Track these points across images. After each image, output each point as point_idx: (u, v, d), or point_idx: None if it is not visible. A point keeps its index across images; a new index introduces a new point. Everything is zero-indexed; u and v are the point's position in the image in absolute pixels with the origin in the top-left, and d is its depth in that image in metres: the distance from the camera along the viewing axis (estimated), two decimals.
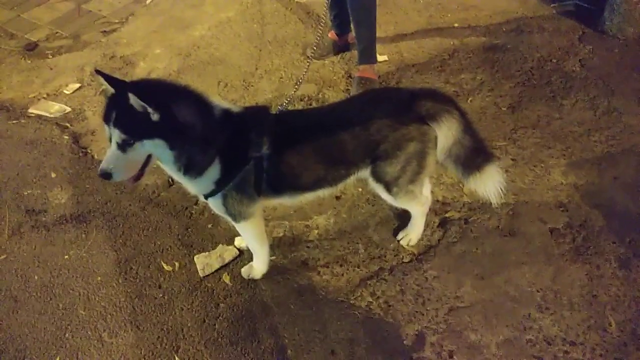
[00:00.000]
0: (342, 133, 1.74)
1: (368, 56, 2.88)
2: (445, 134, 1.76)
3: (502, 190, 1.80)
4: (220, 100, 1.75)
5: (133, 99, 1.46)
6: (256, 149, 1.70)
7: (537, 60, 2.96)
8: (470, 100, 2.75)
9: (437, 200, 2.28)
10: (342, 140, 1.75)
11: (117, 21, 4.00)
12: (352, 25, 2.88)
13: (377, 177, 1.83)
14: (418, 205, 2.00)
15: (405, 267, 2.03)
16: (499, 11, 3.39)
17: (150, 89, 1.60)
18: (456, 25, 3.33)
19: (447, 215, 2.22)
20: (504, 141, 2.51)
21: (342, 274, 2.04)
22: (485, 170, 1.81)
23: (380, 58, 3.03)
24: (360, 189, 2.37)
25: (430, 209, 2.19)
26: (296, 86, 2.13)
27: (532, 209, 2.19)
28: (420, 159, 1.78)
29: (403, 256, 2.08)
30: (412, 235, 2.12)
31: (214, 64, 3.34)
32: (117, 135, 1.53)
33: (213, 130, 1.65)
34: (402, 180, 1.82)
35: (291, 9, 3.80)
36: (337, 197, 2.36)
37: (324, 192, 1.91)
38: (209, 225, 2.37)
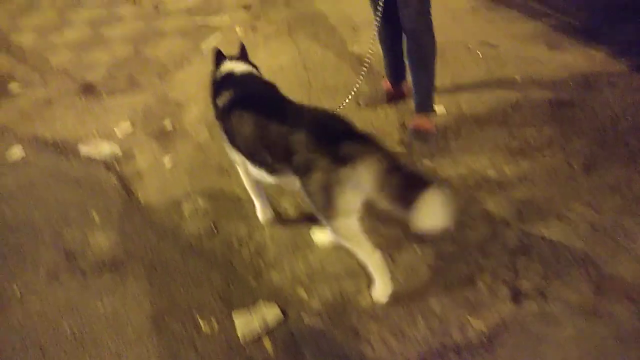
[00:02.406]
0: (274, 120, 1.86)
1: (425, 105, 2.67)
2: (365, 177, 1.62)
3: (447, 215, 1.53)
4: (240, 63, 2.27)
5: None
6: (222, 100, 2.11)
7: (610, 117, 2.67)
8: (540, 157, 2.48)
9: (506, 266, 1.98)
10: (270, 126, 1.86)
11: (172, 66, 3.96)
12: (409, 72, 2.69)
13: (305, 194, 1.80)
14: (360, 250, 1.85)
15: (473, 348, 1.72)
16: (563, 65, 3.14)
17: None
18: (518, 78, 3.09)
19: (518, 285, 1.92)
20: (581, 205, 2.21)
21: (399, 351, 1.75)
22: (422, 198, 1.52)
23: (437, 109, 2.81)
24: (418, 251, 2.10)
25: (499, 278, 1.90)
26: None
27: (618, 285, 1.87)
28: (327, 195, 1.69)
29: (470, 333, 1.78)
30: (374, 290, 1.94)
31: None
32: None
33: (214, 81, 2.24)
34: (319, 213, 1.78)
35: (343, 57, 3.67)
36: (392, 258, 2.10)
37: (264, 176, 2.02)
38: (251, 279, 2.15)
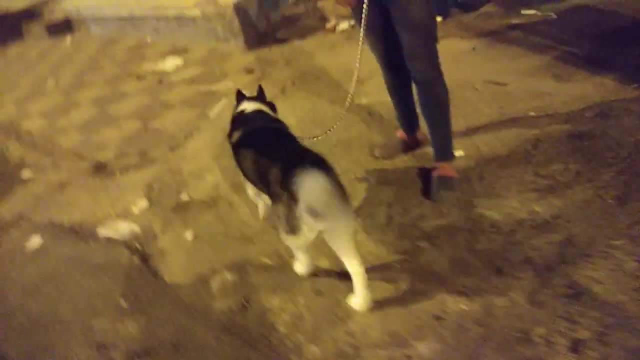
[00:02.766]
0: (264, 155, 2.15)
1: (445, 153, 2.63)
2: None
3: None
4: (253, 103, 2.62)
5: None
6: (234, 137, 2.44)
7: (634, 145, 2.61)
8: (570, 193, 2.41)
9: (560, 316, 1.88)
10: (260, 160, 2.15)
11: (182, 136, 3.97)
12: (425, 123, 2.66)
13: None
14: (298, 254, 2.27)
15: None
16: (575, 97, 3.12)
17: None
18: (532, 114, 3.06)
19: (576, 334, 1.81)
20: (621, 239, 2.12)
21: None
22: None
23: (456, 154, 2.77)
24: (465, 307, 2.00)
25: (555, 329, 1.80)
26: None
27: None
28: (287, 223, 1.92)
29: None
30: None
31: None
32: None
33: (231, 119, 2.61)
34: (283, 233, 2.03)
35: (352, 110, 3.67)
36: (437, 317, 2.00)
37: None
38: (291, 355, 2.04)
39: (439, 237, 2.35)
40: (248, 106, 2.56)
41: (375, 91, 3.82)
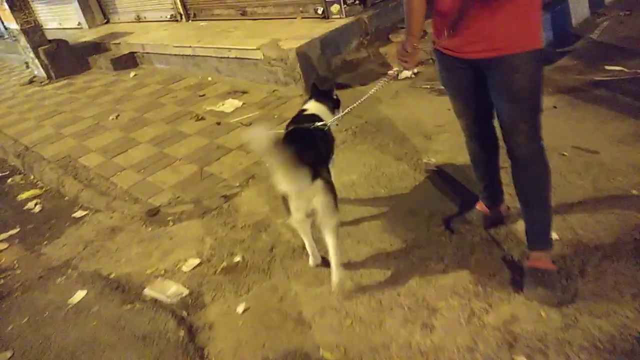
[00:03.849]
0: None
1: (541, 241, 2.21)
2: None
3: None
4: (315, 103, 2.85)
5: None
6: None
7: None
8: None
9: None
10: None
11: (237, 185, 3.71)
12: (518, 203, 2.26)
13: None
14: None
15: None
16: None
17: None
18: (635, 192, 2.60)
19: None
20: None
21: None
22: None
23: None
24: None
25: None
26: None
27: None
28: (285, 205, 2.34)
29: None
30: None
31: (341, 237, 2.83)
32: None
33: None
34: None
35: (419, 170, 3.31)
36: None
37: None
38: None
39: (542, 350, 1.90)
40: (309, 107, 2.80)
41: (447, 149, 3.46)
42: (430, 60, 4.95)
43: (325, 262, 2.55)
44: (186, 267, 2.93)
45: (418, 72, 4.89)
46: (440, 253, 2.52)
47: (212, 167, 4.07)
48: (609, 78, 3.95)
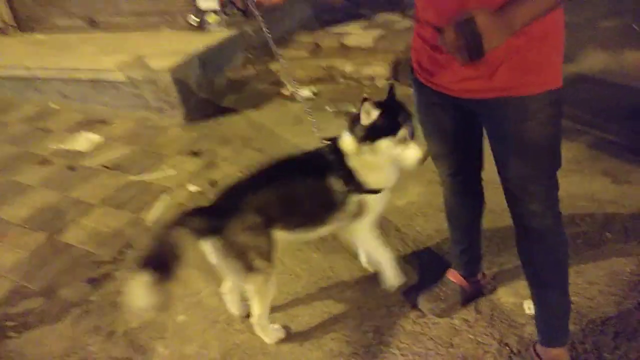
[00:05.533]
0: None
1: (560, 333, 1.67)
2: None
3: None
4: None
5: None
6: None
7: None
8: None
9: None
10: None
11: (108, 260, 2.69)
12: (529, 287, 1.69)
13: None
14: None
15: None
16: None
17: None
18: (609, 235, 2.23)
19: None
20: None
21: None
22: None
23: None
24: None
25: None
26: None
27: None
28: None
29: None
30: None
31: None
32: None
33: None
34: None
35: None
36: None
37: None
38: None
39: None
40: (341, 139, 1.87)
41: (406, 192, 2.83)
42: (343, 80, 4.36)
43: None
44: None
45: (317, 92, 4.26)
46: (413, 347, 1.87)
47: (68, 234, 2.96)
48: None
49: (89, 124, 4.28)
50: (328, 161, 1.80)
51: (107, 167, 3.62)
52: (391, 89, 1.78)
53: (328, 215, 1.84)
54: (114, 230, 2.93)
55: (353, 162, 1.78)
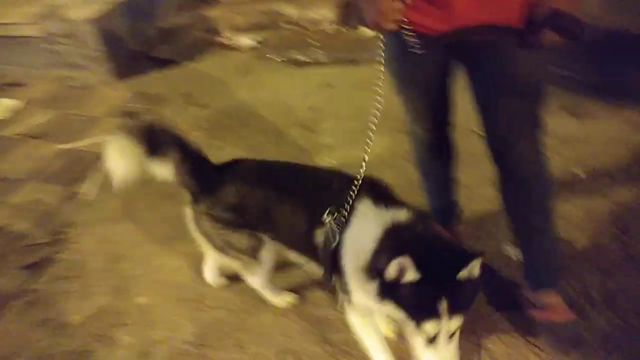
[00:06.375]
0: None
1: (551, 276, 1.63)
2: None
3: None
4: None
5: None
6: None
7: None
8: None
9: None
10: None
11: (45, 241, 2.38)
12: (515, 236, 1.64)
13: None
14: None
15: None
16: (613, 140, 2.40)
17: None
18: (581, 174, 2.23)
19: None
20: None
21: None
22: None
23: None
24: None
25: None
26: None
27: None
28: None
29: None
30: None
31: None
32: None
33: None
34: None
35: None
36: None
37: None
38: None
39: None
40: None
41: (339, 143, 2.70)
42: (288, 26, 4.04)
43: None
44: None
45: (262, 41, 3.94)
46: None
47: None
48: None
49: (2, 88, 3.74)
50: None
51: (29, 136, 3.18)
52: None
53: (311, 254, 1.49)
54: (47, 208, 2.59)
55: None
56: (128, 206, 2.47)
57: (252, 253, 1.61)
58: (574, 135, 2.46)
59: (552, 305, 1.59)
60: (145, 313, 1.93)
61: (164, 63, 3.85)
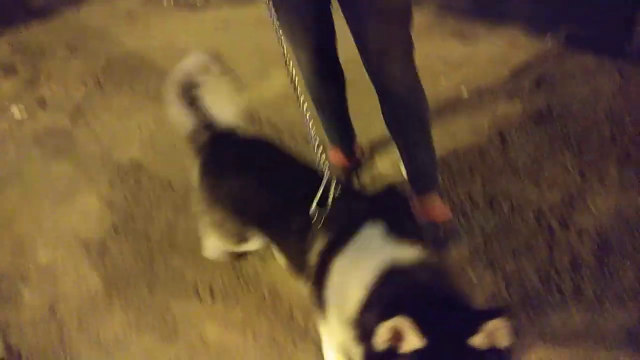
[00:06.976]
0: None
1: (431, 181, 1.78)
2: None
3: None
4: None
5: None
6: None
7: (607, 116, 2.15)
8: (591, 205, 1.84)
9: None
10: None
11: None
12: (395, 147, 1.75)
13: None
14: None
15: None
16: (495, 61, 2.55)
17: None
18: (464, 94, 2.39)
19: None
20: None
21: None
22: None
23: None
24: None
25: None
26: None
27: None
28: None
29: None
30: None
31: None
32: None
33: None
34: None
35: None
36: None
37: None
38: None
39: None
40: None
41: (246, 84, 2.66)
42: None
43: None
44: None
45: None
46: None
47: None
48: None
49: None
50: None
51: None
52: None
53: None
54: None
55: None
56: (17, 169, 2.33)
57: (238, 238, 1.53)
58: (459, 58, 2.61)
59: (432, 207, 1.75)
60: (48, 270, 1.87)
61: (43, 13, 3.53)
